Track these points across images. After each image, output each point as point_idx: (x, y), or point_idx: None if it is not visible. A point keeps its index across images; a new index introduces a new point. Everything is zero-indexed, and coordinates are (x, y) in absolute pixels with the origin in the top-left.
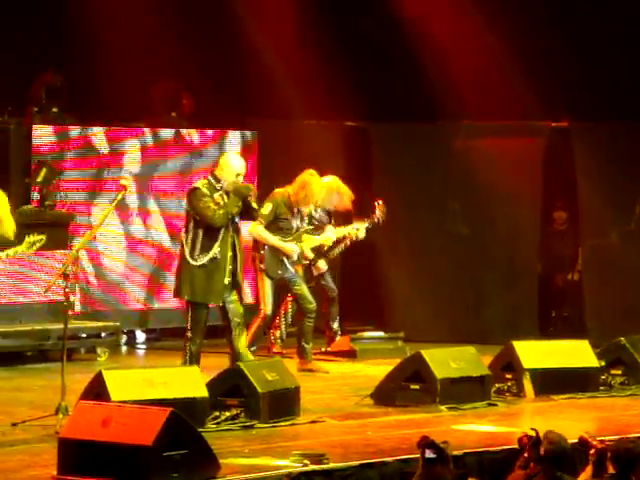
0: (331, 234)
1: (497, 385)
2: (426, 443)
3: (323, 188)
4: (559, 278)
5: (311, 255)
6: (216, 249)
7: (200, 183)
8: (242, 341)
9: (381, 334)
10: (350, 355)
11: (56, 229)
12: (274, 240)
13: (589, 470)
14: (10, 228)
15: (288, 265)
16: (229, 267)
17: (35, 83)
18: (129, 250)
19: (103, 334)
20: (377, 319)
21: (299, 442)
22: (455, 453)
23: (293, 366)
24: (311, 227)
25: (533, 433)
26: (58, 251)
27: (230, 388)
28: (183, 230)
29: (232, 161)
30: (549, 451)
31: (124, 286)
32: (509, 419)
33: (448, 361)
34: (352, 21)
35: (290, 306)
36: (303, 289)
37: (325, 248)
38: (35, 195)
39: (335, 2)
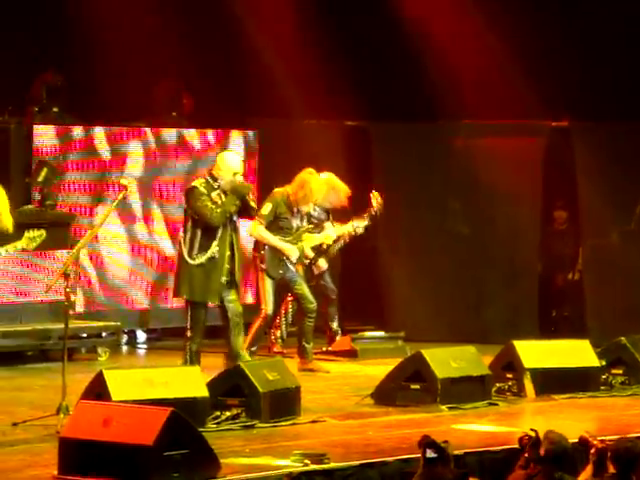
0: (331, 232)
1: (498, 385)
2: (427, 443)
3: (322, 186)
4: (559, 278)
5: (312, 254)
6: (214, 248)
7: (198, 182)
8: (240, 341)
9: (382, 334)
10: (351, 355)
11: (57, 229)
12: (274, 240)
13: (589, 469)
14: (9, 222)
15: (289, 265)
16: (226, 266)
17: (35, 83)
18: (130, 250)
19: (104, 334)
20: (378, 319)
21: (300, 442)
22: (456, 453)
23: (294, 366)
24: (311, 226)
25: (533, 434)
26: (59, 251)
27: (231, 388)
28: (181, 230)
29: (229, 160)
30: (550, 451)
31: (125, 286)
32: (510, 419)
33: (449, 361)
34: (352, 21)
35: (290, 306)
36: (304, 289)
37: (325, 246)
38: (36, 195)
39: (335, 2)
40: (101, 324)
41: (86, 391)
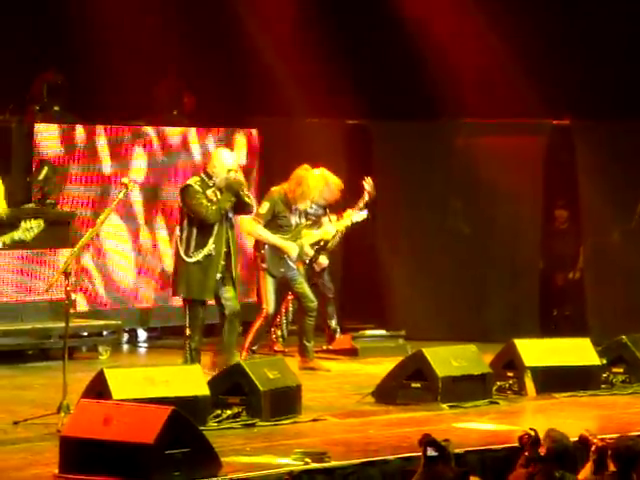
0: (330, 228)
1: (498, 383)
2: (428, 441)
3: (319, 183)
4: (560, 277)
5: (311, 252)
6: (211, 245)
7: (192, 180)
8: (232, 340)
9: (382, 332)
10: (351, 353)
11: (57, 227)
12: (274, 239)
13: (589, 467)
14: (2, 207)
15: (290, 262)
16: (222, 263)
17: (36, 82)
18: (131, 249)
19: (105, 332)
20: (378, 317)
21: (300, 440)
22: (457, 451)
23: (294, 364)
24: (309, 222)
25: (532, 433)
26: (59, 249)
27: (232, 386)
28: (177, 228)
29: (223, 157)
30: (552, 449)
31: (126, 285)
32: (510, 417)
33: (449, 359)
34: (353, 21)
35: (291, 304)
36: (304, 287)
37: (323, 242)
38: (36, 193)
39: (335, 2)
40: (102, 323)
41: (87, 390)
